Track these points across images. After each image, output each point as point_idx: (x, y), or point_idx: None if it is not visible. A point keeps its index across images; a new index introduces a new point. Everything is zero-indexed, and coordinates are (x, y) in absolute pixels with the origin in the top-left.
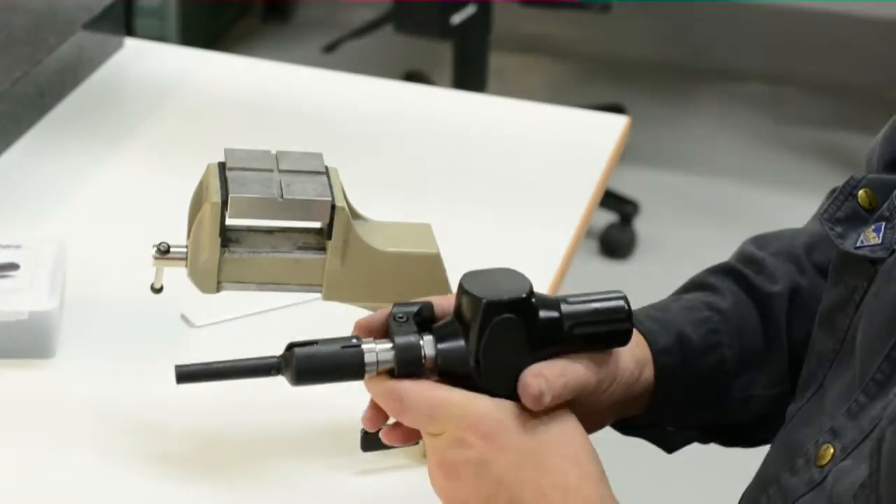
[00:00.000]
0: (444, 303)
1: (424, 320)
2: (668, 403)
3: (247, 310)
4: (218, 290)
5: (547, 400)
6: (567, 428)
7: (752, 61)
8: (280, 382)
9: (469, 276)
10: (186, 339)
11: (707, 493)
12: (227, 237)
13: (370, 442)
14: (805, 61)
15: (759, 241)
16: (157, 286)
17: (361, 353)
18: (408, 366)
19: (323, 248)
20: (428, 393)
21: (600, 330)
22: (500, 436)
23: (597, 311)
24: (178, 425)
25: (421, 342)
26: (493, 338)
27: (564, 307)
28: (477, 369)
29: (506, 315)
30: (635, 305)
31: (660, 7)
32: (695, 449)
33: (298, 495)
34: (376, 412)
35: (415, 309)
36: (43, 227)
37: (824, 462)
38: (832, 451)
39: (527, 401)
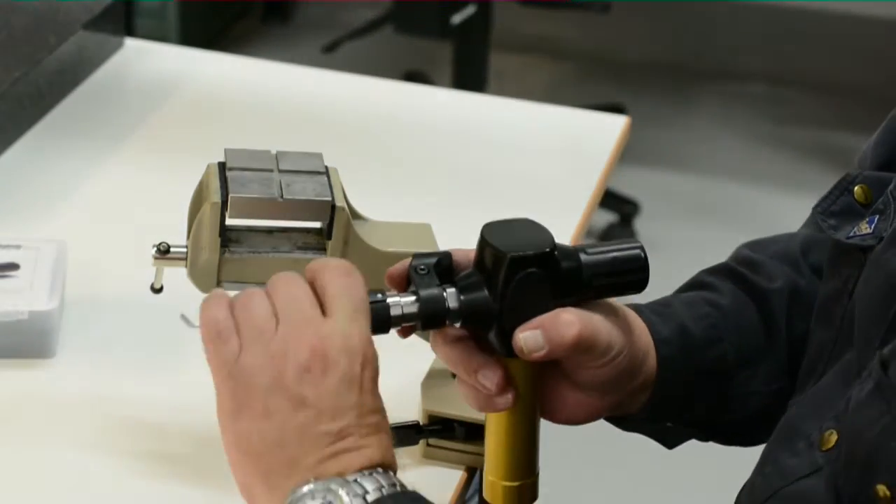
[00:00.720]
0: (462, 253)
1: (444, 271)
2: (668, 396)
3: None
4: None
5: (539, 354)
6: None
7: (752, 61)
8: None
9: (490, 228)
10: (186, 340)
11: (707, 493)
12: (227, 237)
13: None
14: (805, 61)
15: (755, 245)
16: (157, 286)
17: (387, 307)
18: (433, 318)
19: (323, 248)
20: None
21: (619, 280)
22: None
23: (615, 260)
24: (178, 425)
25: (444, 294)
26: (518, 292)
27: (584, 257)
28: (500, 321)
29: (530, 269)
30: None
31: (660, 7)
32: (695, 451)
33: None
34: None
35: (434, 260)
36: (43, 227)
37: (828, 447)
38: (836, 436)
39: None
